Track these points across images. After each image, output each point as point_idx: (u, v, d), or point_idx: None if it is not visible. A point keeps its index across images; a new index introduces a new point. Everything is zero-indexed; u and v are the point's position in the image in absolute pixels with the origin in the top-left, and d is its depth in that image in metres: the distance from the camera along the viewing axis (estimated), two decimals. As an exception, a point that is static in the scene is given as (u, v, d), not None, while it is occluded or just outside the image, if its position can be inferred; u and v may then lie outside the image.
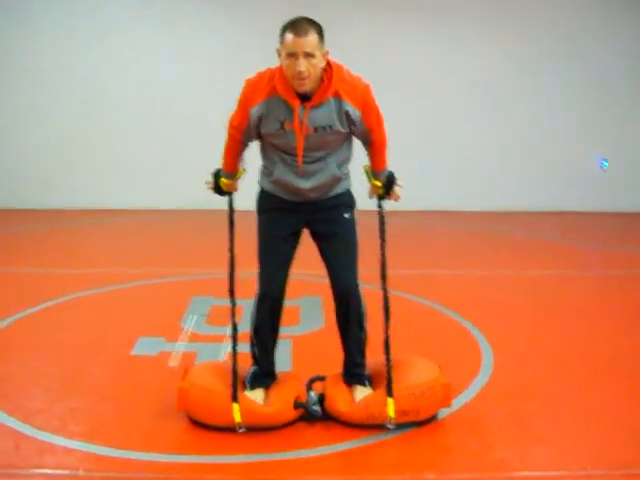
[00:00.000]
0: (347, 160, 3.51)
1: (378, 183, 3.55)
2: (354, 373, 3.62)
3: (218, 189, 3.60)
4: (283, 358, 4.19)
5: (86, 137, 10.61)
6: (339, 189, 3.51)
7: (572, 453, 3.28)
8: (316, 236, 3.57)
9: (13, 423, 3.48)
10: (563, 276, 6.77)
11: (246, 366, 3.62)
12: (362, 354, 3.64)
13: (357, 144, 3.53)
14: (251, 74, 3.36)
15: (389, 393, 3.43)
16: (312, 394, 3.60)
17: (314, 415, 3.50)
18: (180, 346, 4.62)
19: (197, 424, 3.45)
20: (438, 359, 3.82)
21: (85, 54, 10.47)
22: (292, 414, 3.46)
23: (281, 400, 3.46)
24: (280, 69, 3.23)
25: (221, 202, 3.68)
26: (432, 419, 3.52)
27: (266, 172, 3.51)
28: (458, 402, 3.72)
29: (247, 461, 3.19)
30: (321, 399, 3.56)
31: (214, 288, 5.58)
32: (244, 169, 3.59)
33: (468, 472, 3.12)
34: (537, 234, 9.07)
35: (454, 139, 10.65)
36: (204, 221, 8.69)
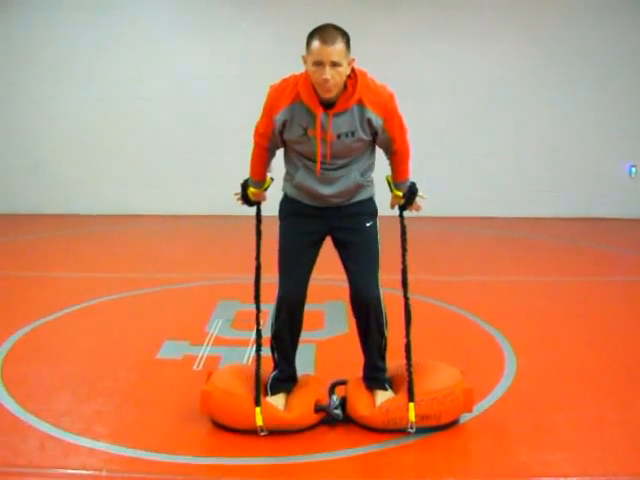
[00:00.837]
0: (370, 168, 3.52)
1: (399, 193, 3.56)
2: (375, 377, 3.62)
3: (246, 199, 3.63)
4: (306, 362, 4.22)
5: (114, 143, 10.72)
6: (362, 195, 3.52)
7: (595, 460, 3.26)
8: (338, 244, 3.58)
9: (40, 424, 3.54)
10: (590, 282, 6.72)
11: (269, 370, 3.65)
12: (383, 358, 3.64)
13: (380, 153, 3.54)
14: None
15: (410, 398, 3.43)
16: (334, 398, 3.61)
17: (335, 419, 3.51)
18: (205, 350, 4.66)
19: (220, 427, 3.49)
20: (461, 364, 3.82)
21: (111, 60, 10.60)
22: (313, 418, 3.48)
23: (302, 405, 3.48)
24: (304, 76, 3.25)
25: (248, 208, 3.73)
26: (453, 424, 3.52)
27: (288, 177, 3.54)
28: (480, 407, 3.71)
29: (269, 463, 3.21)
30: (342, 403, 3.57)
31: (240, 293, 5.62)
32: (272, 178, 3.61)
33: (489, 477, 3.12)
34: (564, 240, 9.01)
35: (479, 145, 10.60)
36: (231, 226, 8.76)
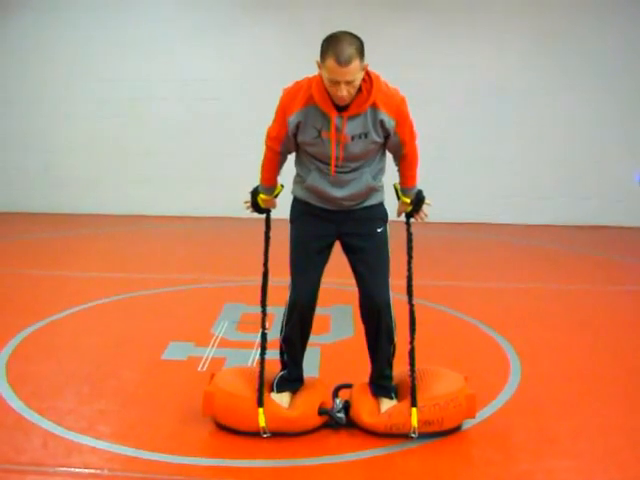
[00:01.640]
0: (381, 171, 3.51)
1: (407, 200, 3.56)
2: (382, 385, 3.62)
3: (256, 206, 3.63)
4: (312, 365, 4.22)
5: (124, 144, 10.77)
6: (373, 200, 3.51)
7: (599, 469, 3.25)
8: (348, 250, 3.57)
9: (44, 423, 3.55)
10: (597, 290, 6.70)
11: (273, 371, 3.66)
12: (390, 366, 3.64)
13: (389, 159, 3.55)
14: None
15: (413, 403, 3.43)
16: (338, 401, 3.61)
17: (338, 422, 3.51)
18: (210, 352, 4.67)
19: (222, 428, 3.49)
20: (465, 370, 3.82)
21: (123, 61, 10.64)
22: (316, 420, 3.48)
23: (306, 405, 3.48)
24: (317, 79, 3.25)
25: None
26: (456, 430, 3.52)
27: (299, 179, 3.53)
28: (483, 414, 3.71)
29: (271, 466, 3.22)
30: (346, 406, 3.57)
31: (246, 295, 5.63)
32: (282, 185, 3.61)
33: (491, 484, 3.12)
34: (569, 248, 8.98)
35: (485, 152, 10.58)
36: (240, 229, 8.77)
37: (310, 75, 3.33)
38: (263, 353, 3.58)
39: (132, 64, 10.67)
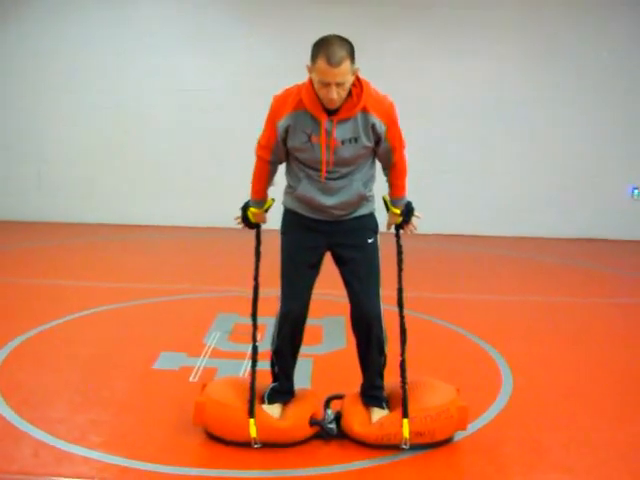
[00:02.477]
0: (371, 179, 3.51)
1: (397, 211, 3.56)
2: (372, 395, 3.62)
3: (247, 221, 3.63)
4: (303, 376, 4.22)
5: (118, 153, 10.76)
6: (364, 210, 3.51)
7: (589, 482, 3.27)
8: (338, 261, 3.57)
9: (34, 432, 3.54)
10: (590, 303, 6.71)
11: (265, 383, 3.65)
12: (381, 376, 3.65)
13: (378, 172, 3.56)
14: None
15: (404, 414, 3.43)
16: (329, 412, 3.61)
17: (329, 433, 3.51)
18: (201, 362, 4.67)
19: (213, 438, 3.49)
20: (458, 382, 3.82)
21: (119, 70, 10.66)
22: (307, 431, 3.48)
23: (297, 416, 3.48)
24: (307, 84, 3.26)
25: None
26: (447, 442, 3.52)
27: (289, 190, 3.53)
28: (475, 426, 3.71)
29: (261, 476, 3.22)
30: (337, 417, 3.57)
31: (239, 306, 5.62)
32: (273, 199, 3.62)
33: (481, 496, 3.12)
34: (565, 261, 9.00)
35: (482, 164, 10.61)
36: (233, 240, 8.74)
37: (299, 82, 3.34)
38: (254, 366, 3.58)
39: (128, 73, 10.66)
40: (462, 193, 10.61)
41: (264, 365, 3.65)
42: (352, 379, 3.74)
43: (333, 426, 3.53)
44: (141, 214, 10.78)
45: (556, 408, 4.08)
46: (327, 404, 3.69)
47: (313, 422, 3.49)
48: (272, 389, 3.64)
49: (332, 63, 3.07)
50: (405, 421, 3.41)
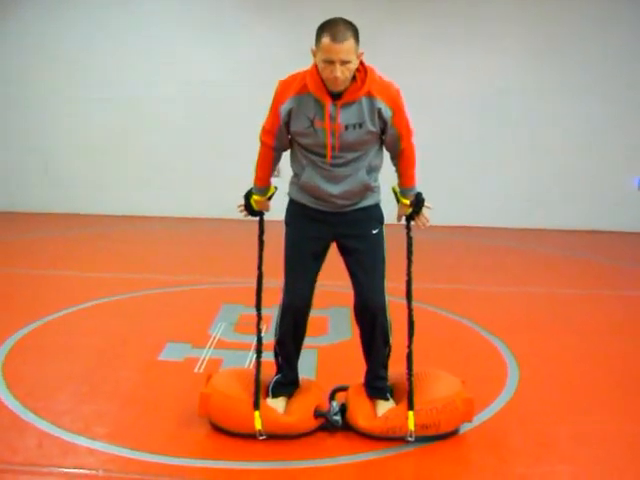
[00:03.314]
0: (377, 168, 3.48)
1: (407, 201, 3.52)
2: (377, 387, 3.61)
3: (250, 209, 3.61)
4: (308, 367, 4.22)
5: (124, 144, 10.75)
6: (368, 201, 3.48)
7: (595, 474, 3.24)
8: (343, 251, 3.55)
9: (39, 422, 3.55)
10: (595, 295, 6.69)
11: (270, 374, 3.65)
12: (385, 367, 3.63)
13: (386, 163, 3.54)
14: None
15: (410, 406, 3.42)
16: (334, 404, 3.60)
17: (334, 425, 3.50)
18: (207, 353, 4.66)
19: (218, 430, 3.49)
20: (463, 373, 3.81)
21: (124, 61, 10.64)
22: (312, 423, 3.47)
23: (302, 410, 3.47)
24: (312, 69, 3.24)
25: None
26: (453, 434, 3.51)
27: (294, 180, 3.51)
28: (480, 417, 3.70)
29: (266, 468, 3.21)
30: (342, 409, 3.56)
31: (244, 296, 5.57)
32: (276, 187, 3.60)
33: (487, 488, 3.11)
34: (569, 252, 8.96)
35: (485, 156, 10.57)
36: (238, 230, 8.74)
37: (304, 69, 3.32)
38: (259, 357, 3.57)
39: (133, 65, 10.65)
40: (464, 185, 10.57)
41: (269, 356, 3.64)
42: (357, 370, 3.72)
43: (338, 418, 3.52)
44: (145, 205, 10.79)
45: (562, 399, 4.07)
46: (332, 396, 3.68)
47: (318, 414, 3.49)
48: (276, 382, 3.63)
49: (336, 39, 3.06)
50: (410, 413, 3.40)
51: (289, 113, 3.30)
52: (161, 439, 3.43)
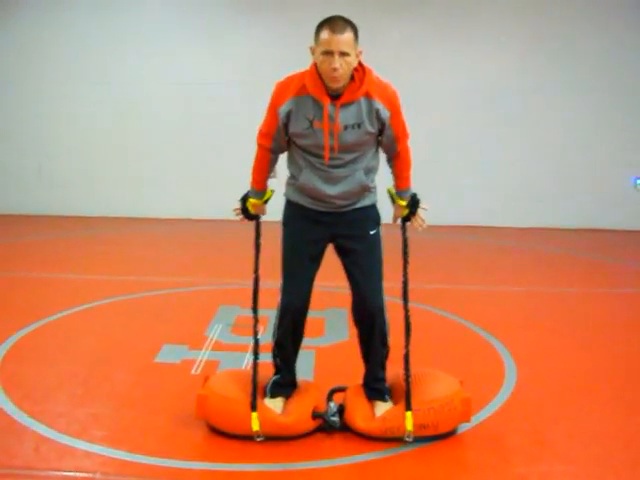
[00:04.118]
0: (374, 170, 3.47)
1: (403, 202, 3.52)
2: (375, 388, 3.60)
3: (246, 212, 3.60)
4: (305, 369, 4.20)
5: (119, 145, 10.75)
6: (366, 201, 3.48)
7: (593, 473, 3.23)
8: (341, 252, 3.54)
9: (36, 426, 3.53)
10: (592, 293, 6.69)
11: (267, 375, 3.63)
12: (383, 368, 3.63)
13: (382, 164, 3.53)
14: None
15: (408, 407, 3.41)
16: (332, 405, 3.59)
17: (332, 426, 3.49)
18: (203, 354, 4.65)
19: (216, 432, 3.47)
20: (461, 373, 3.80)
21: (120, 62, 10.64)
22: (310, 424, 3.46)
23: (300, 410, 3.46)
24: (311, 69, 3.24)
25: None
26: (451, 434, 3.50)
27: (291, 181, 3.50)
28: (478, 417, 3.69)
29: (264, 470, 3.19)
30: (340, 410, 3.55)
31: (241, 298, 5.58)
32: (272, 190, 3.59)
33: (485, 488, 3.10)
34: (568, 251, 8.97)
35: (484, 155, 10.59)
36: (234, 231, 8.73)
37: (304, 69, 3.31)
38: (256, 358, 3.55)
39: (129, 65, 10.65)
40: (463, 184, 10.59)
41: (267, 357, 3.63)
42: (355, 371, 3.71)
43: (336, 419, 3.51)
44: (141, 207, 10.78)
45: (560, 399, 4.06)
46: (330, 397, 3.67)
47: (316, 415, 3.47)
48: (274, 382, 3.62)
49: (335, 31, 3.09)
50: (408, 414, 3.39)
51: (288, 115, 3.29)
52: (158, 441, 3.41)
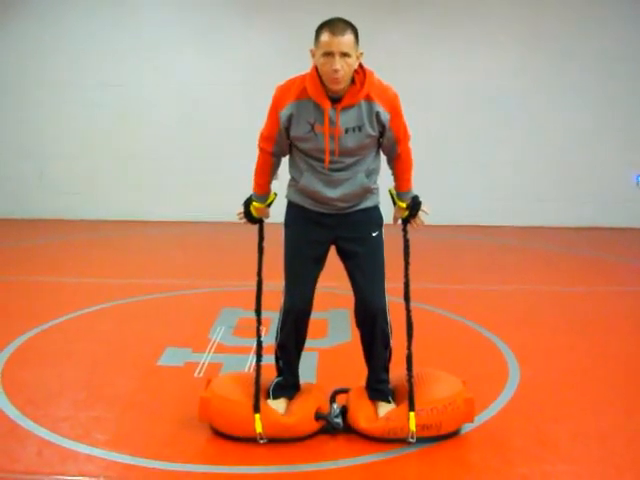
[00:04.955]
0: (375, 171, 3.47)
1: (403, 204, 3.52)
2: (378, 389, 3.60)
3: (249, 216, 3.60)
4: (308, 370, 4.20)
5: (119, 149, 10.74)
6: (368, 203, 3.48)
7: (596, 474, 3.22)
8: (343, 255, 3.53)
9: (38, 430, 3.52)
10: (595, 292, 6.68)
11: (270, 377, 3.63)
12: (386, 370, 3.63)
13: (384, 165, 3.53)
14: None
15: (411, 407, 3.41)
16: (334, 406, 3.59)
17: (336, 427, 3.49)
18: (206, 357, 4.65)
19: (219, 434, 3.47)
20: (463, 373, 3.80)
21: (120, 66, 10.64)
22: (313, 425, 3.45)
23: (302, 411, 3.46)
24: (311, 73, 3.24)
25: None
26: (454, 434, 3.50)
27: (292, 183, 3.50)
28: (481, 417, 3.68)
29: (268, 472, 3.19)
30: (343, 411, 3.55)
31: (244, 300, 5.58)
32: (275, 193, 3.58)
33: (489, 488, 3.09)
34: (569, 249, 8.97)
35: (484, 154, 10.59)
36: (235, 233, 8.72)
37: (303, 73, 3.31)
38: (259, 360, 3.55)
39: (128, 69, 10.65)
40: (465, 183, 10.59)
41: (269, 359, 3.63)
42: (357, 372, 3.71)
43: (339, 420, 3.50)
44: (142, 210, 10.77)
45: (563, 399, 4.05)
46: (333, 398, 3.67)
47: (319, 416, 3.47)
48: (277, 384, 3.61)
49: (336, 32, 3.09)
50: (411, 414, 3.38)
51: (289, 119, 3.29)
52: (161, 445, 3.40)
